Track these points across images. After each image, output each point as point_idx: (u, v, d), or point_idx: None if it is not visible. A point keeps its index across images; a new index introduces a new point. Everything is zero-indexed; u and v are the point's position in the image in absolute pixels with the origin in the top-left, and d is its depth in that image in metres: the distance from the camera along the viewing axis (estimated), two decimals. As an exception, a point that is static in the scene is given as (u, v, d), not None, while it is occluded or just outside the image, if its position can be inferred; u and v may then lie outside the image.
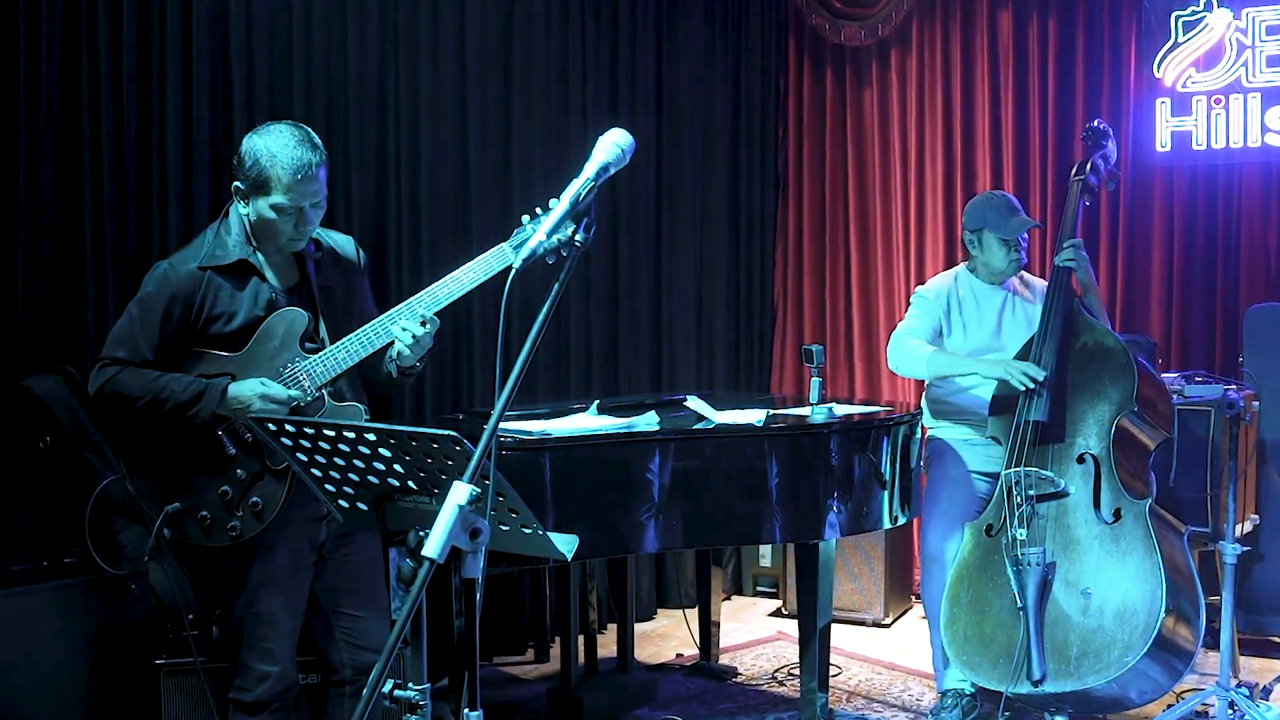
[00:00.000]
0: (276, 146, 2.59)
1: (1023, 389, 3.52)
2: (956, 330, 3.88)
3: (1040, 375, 3.50)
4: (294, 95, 4.03)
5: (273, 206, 2.61)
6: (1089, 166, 3.81)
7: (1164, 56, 4.93)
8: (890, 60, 5.63)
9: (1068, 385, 3.54)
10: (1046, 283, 3.77)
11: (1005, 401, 3.62)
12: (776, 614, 5.25)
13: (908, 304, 4.06)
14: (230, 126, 3.84)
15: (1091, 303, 3.78)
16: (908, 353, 3.80)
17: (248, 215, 2.66)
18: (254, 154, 2.60)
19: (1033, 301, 3.92)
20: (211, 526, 2.64)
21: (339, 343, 2.68)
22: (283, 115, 3.77)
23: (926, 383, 3.98)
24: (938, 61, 5.48)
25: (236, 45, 3.88)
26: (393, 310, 2.69)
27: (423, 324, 2.64)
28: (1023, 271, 4.06)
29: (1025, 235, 3.92)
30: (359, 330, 2.68)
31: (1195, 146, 4.89)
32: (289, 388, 2.63)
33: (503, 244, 2.67)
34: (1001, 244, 3.86)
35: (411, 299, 2.69)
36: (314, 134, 2.66)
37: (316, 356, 2.67)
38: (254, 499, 2.62)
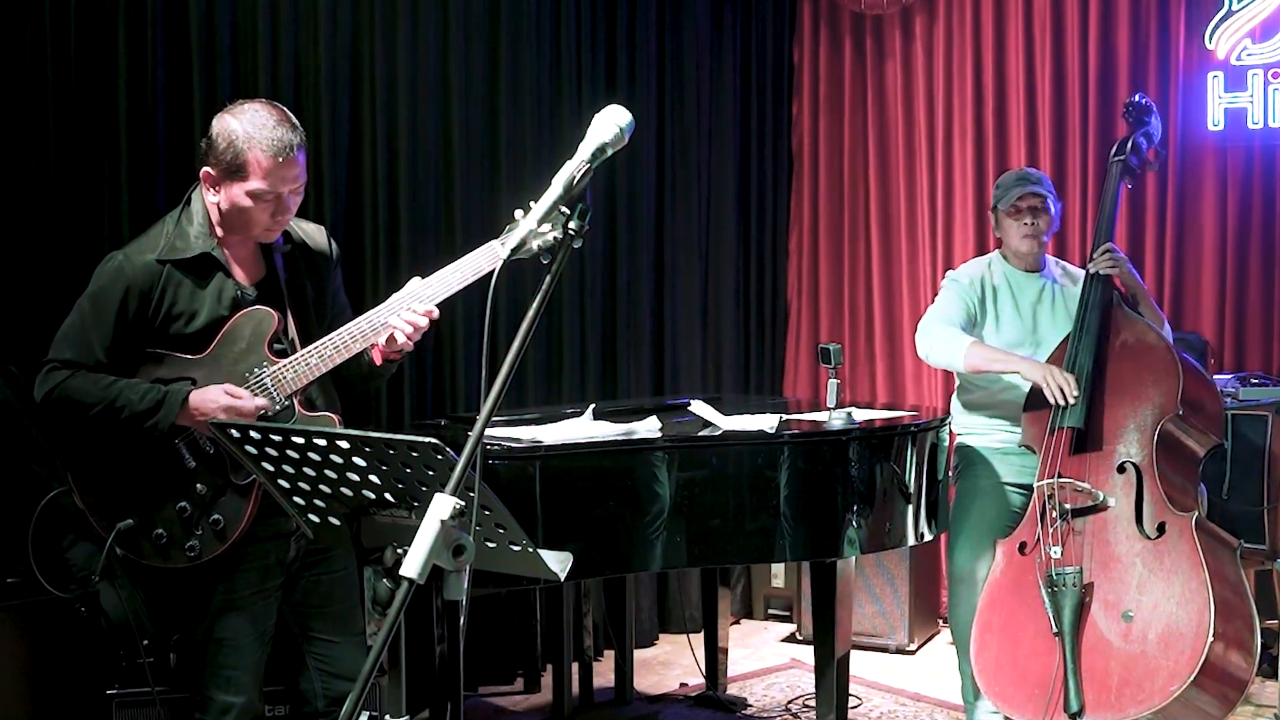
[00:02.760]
0: (253, 127, 2.61)
1: (1056, 402, 3.52)
2: (989, 321, 3.87)
3: (1075, 394, 3.50)
4: (258, 69, 4.05)
5: (249, 193, 2.62)
6: (1130, 146, 3.82)
7: (1216, 26, 4.94)
8: (915, 29, 5.64)
9: (1106, 387, 3.55)
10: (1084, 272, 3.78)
11: (1038, 406, 3.63)
12: (790, 639, 5.27)
13: (934, 298, 4.06)
14: (189, 104, 3.86)
15: (1142, 306, 3.79)
16: (942, 340, 3.73)
17: (217, 203, 2.67)
18: (228, 135, 2.61)
19: (1075, 294, 3.92)
20: (168, 546, 2.64)
21: (311, 346, 2.69)
22: (245, 91, 3.80)
23: (958, 383, 3.99)
24: (967, 30, 5.49)
25: (195, 13, 3.90)
26: (370, 312, 2.70)
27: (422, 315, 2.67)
28: (1064, 262, 4.07)
29: (1051, 208, 3.90)
30: (334, 333, 2.69)
31: (1251, 125, 4.90)
32: (256, 395, 2.64)
33: (494, 241, 2.68)
34: (1010, 219, 3.88)
35: (392, 299, 2.70)
36: (291, 114, 2.68)
37: (286, 361, 2.68)
38: (215, 516, 2.63)
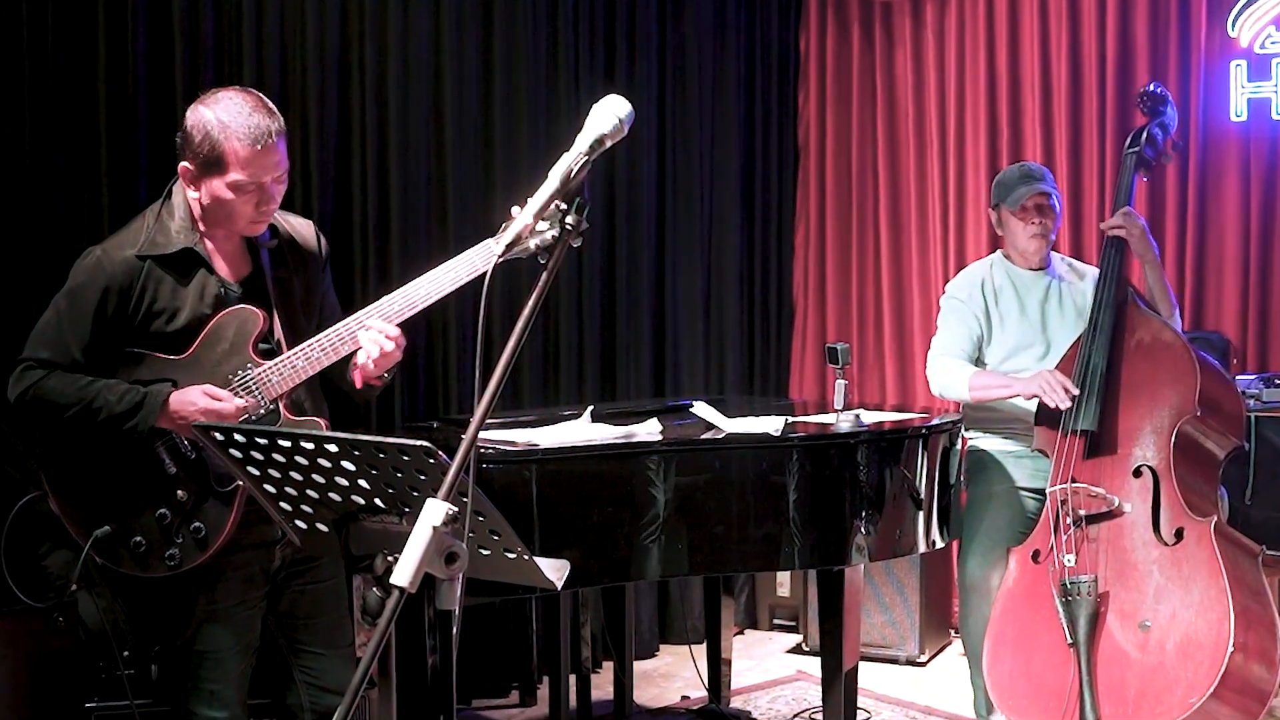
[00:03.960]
0: (229, 116, 2.59)
1: (1058, 405, 3.54)
2: (995, 326, 3.92)
3: (1074, 392, 3.52)
4: (243, 58, 4.05)
5: (230, 185, 2.61)
6: (1144, 137, 3.84)
7: (1239, 13, 4.94)
8: (925, 16, 5.64)
9: (1120, 388, 3.55)
10: (1098, 270, 3.79)
11: (1049, 411, 3.64)
12: (796, 651, 5.27)
13: (942, 298, 4.08)
14: (171, 94, 3.86)
15: (1152, 277, 3.80)
16: (948, 375, 3.87)
17: (198, 199, 2.66)
18: (204, 126, 2.60)
19: (1083, 290, 3.93)
20: (147, 554, 2.64)
21: (298, 348, 2.68)
22: (230, 80, 3.80)
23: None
24: (980, 17, 5.49)
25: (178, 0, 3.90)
26: (360, 313, 2.70)
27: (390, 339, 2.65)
28: (1072, 260, 4.09)
29: (1057, 205, 3.94)
30: (321, 334, 2.69)
31: (1275, 115, 4.90)
32: (239, 397, 2.64)
33: (489, 240, 2.67)
34: (1017, 219, 3.91)
35: (382, 300, 2.70)
36: (267, 99, 2.67)
37: (271, 363, 2.67)
38: (196, 524, 2.62)
